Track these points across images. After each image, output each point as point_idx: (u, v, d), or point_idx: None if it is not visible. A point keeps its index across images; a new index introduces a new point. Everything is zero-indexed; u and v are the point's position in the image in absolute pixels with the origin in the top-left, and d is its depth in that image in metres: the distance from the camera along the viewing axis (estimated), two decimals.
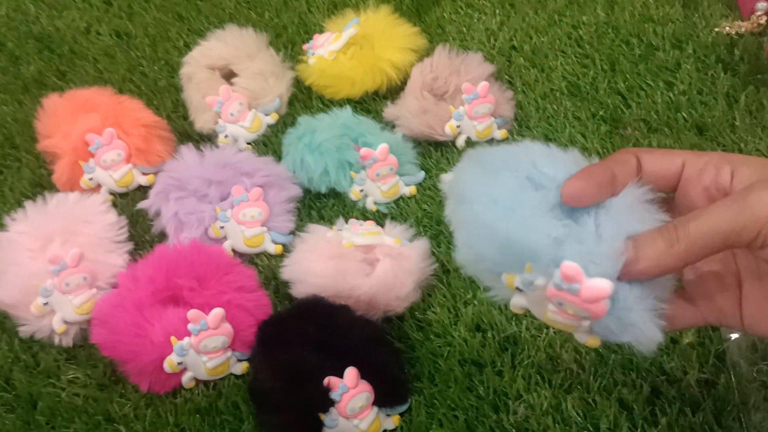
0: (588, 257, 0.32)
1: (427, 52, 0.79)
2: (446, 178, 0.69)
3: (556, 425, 0.53)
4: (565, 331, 0.36)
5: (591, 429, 0.53)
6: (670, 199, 0.37)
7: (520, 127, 0.74)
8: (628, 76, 0.76)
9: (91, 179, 0.71)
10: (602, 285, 0.31)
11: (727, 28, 0.79)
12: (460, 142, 0.74)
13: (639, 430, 0.52)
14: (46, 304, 0.60)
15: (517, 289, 0.35)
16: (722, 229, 0.31)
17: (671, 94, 0.74)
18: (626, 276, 0.32)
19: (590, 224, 0.33)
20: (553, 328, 0.56)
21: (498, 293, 0.37)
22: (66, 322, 0.61)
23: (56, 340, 0.62)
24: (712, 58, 0.77)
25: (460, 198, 0.35)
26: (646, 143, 0.70)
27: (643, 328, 0.33)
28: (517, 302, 0.36)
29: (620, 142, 0.71)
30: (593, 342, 0.36)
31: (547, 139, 0.72)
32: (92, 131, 0.70)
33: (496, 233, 0.33)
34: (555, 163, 0.35)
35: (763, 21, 0.78)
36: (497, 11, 0.86)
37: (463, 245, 0.36)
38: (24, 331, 0.62)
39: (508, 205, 0.33)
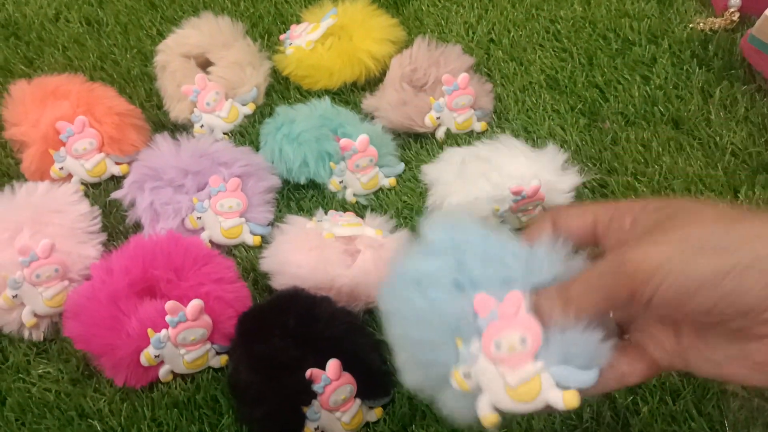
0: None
1: (406, 44, 0.79)
2: (427, 170, 0.68)
3: (540, 414, 0.53)
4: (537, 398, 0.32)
5: (574, 418, 0.53)
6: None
7: (499, 119, 0.74)
8: (605, 70, 0.77)
9: (61, 168, 0.69)
10: (515, 294, 0.32)
11: (701, 24, 0.80)
12: (440, 133, 0.73)
13: (621, 419, 0.53)
14: (15, 296, 0.58)
15: (467, 380, 0.33)
16: (601, 290, 0.30)
17: (648, 88, 0.75)
18: None
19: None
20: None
21: (458, 407, 0.35)
22: (36, 315, 0.59)
23: (26, 334, 0.60)
24: (687, 53, 0.78)
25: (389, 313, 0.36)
26: (624, 136, 0.71)
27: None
28: (483, 406, 0.33)
29: (599, 134, 0.71)
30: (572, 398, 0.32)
31: (527, 131, 0.73)
32: (63, 119, 0.68)
33: (423, 323, 0.33)
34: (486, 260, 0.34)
35: (735, 17, 0.79)
36: (475, 4, 0.86)
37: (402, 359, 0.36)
38: None
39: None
